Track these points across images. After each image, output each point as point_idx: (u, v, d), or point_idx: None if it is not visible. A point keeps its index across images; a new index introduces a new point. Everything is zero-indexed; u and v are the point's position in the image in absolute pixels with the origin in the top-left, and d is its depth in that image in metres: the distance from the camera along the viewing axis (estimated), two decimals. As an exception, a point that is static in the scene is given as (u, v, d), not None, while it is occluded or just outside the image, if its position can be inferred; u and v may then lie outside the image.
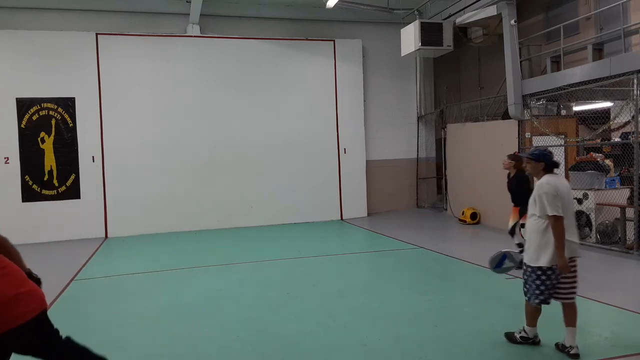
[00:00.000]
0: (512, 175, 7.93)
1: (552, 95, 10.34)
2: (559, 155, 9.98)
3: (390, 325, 5.49)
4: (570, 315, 4.52)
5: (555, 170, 4.65)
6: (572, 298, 4.53)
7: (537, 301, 4.53)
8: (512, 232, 8.22)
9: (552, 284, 4.48)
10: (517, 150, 8.36)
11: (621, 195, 9.10)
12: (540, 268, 4.45)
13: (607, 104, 10.52)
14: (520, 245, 7.89)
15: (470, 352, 4.72)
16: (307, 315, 5.93)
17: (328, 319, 5.78)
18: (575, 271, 4.50)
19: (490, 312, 5.93)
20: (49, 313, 6.20)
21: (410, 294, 6.77)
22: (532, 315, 4.69)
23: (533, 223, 4.55)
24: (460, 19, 11.97)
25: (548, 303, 4.55)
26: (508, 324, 5.44)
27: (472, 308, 6.05)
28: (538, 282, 4.47)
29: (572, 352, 4.43)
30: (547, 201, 4.38)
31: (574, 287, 4.54)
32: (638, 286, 7.00)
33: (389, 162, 15.12)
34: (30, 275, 3.11)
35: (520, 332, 4.77)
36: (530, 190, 7.70)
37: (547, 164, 4.57)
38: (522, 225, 7.71)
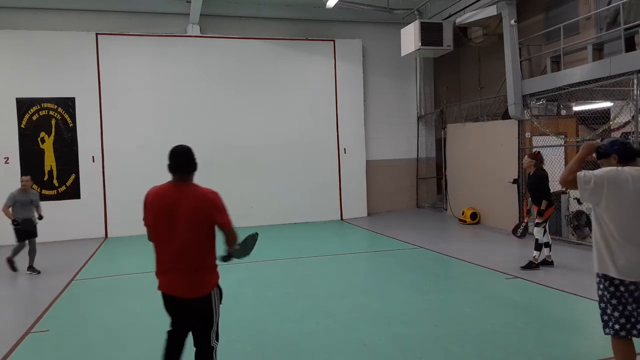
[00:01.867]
0: (531, 174, 7.95)
1: (552, 95, 10.34)
2: (559, 155, 10.00)
3: (390, 325, 5.49)
4: None
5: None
6: None
7: (612, 332, 3.55)
8: (523, 233, 8.18)
9: (625, 302, 3.48)
10: (537, 150, 8.36)
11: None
12: (603, 277, 3.59)
13: (607, 104, 10.51)
14: (548, 244, 7.91)
15: (470, 352, 4.72)
16: (307, 315, 5.93)
17: (328, 319, 5.78)
18: None
19: (490, 312, 5.93)
20: (49, 313, 6.20)
21: (410, 294, 6.77)
22: (619, 356, 3.58)
23: None
24: (460, 19, 11.96)
25: (622, 335, 3.50)
26: (508, 324, 5.45)
27: (472, 308, 6.05)
28: (602, 294, 3.60)
29: None
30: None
31: None
32: None
33: (389, 162, 15.12)
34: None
35: None
36: (548, 188, 7.75)
37: (620, 156, 3.65)
38: (537, 224, 7.73)
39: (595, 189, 3.54)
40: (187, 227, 3.36)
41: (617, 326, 3.51)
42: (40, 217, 8.90)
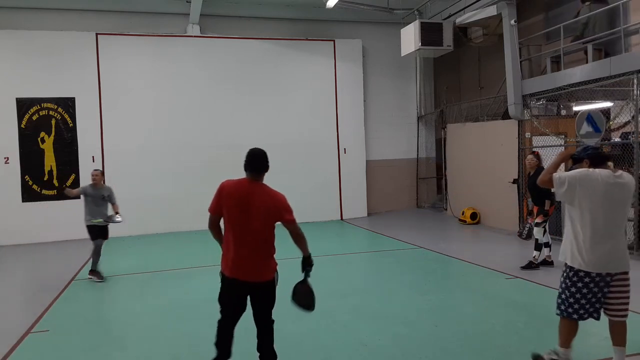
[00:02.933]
0: (532, 174, 7.94)
1: (552, 95, 10.34)
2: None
3: (390, 325, 5.49)
4: (619, 334, 4.01)
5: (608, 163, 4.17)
6: (625, 316, 3.99)
7: (564, 315, 4.03)
8: (529, 235, 8.13)
9: (590, 295, 3.91)
10: (536, 150, 8.41)
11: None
12: (570, 268, 4.00)
13: (607, 104, 10.51)
14: (547, 244, 7.91)
15: (470, 352, 4.72)
16: (307, 315, 5.91)
17: (328, 319, 5.78)
18: (626, 285, 3.97)
19: (490, 312, 5.93)
20: (49, 313, 6.19)
21: (410, 294, 6.77)
22: (566, 333, 4.07)
23: None
24: (460, 19, 11.96)
25: (583, 319, 3.98)
26: (508, 324, 5.45)
27: (472, 308, 6.05)
28: (568, 284, 3.98)
29: None
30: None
31: (626, 304, 4.00)
32: (638, 286, 7.00)
33: (389, 162, 15.11)
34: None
35: (549, 354, 4.15)
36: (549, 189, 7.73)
37: (592, 160, 4.08)
38: (537, 224, 7.72)
39: (569, 189, 3.97)
40: (259, 220, 3.82)
41: (571, 311, 3.98)
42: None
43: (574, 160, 4.28)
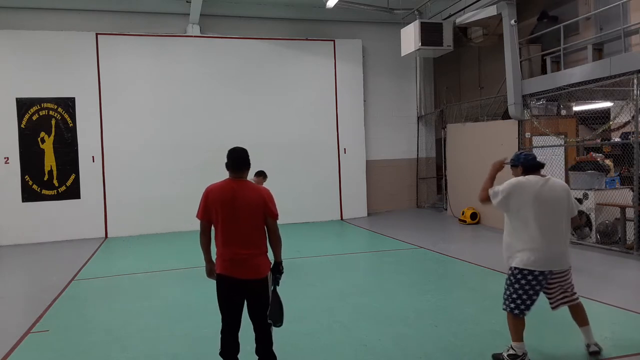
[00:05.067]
0: None
1: (552, 95, 10.34)
2: (559, 155, 9.99)
3: (390, 325, 5.49)
4: (580, 315, 4.44)
5: (542, 171, 4.42)
6: (577, 298, 4.42)
7: (507, 309, 4.32)
8: None
9: (531, 291, 4.23)
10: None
11: (621, 195, 9.10)
12: (514, 268, 4.28)
13: (607, 104, 10.51)
14: None
15: (470, 352, 4.72)
16: (307, 315, 5.93)
17: (328, 319, 5.78)
18: (569, 277, 4.38)
19: (490, 312, 5.93)
20: (49, 313, 6.21)
21: (410, 294, 6.77)
22: (515, 328, 4.35)
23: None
24: (460, 19, 11.96)
25: (524, 314, 4.31)
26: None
27: (472, 308, 6.06)
28: (516, 285, 4.25)
29: (590, 349, 4.41)
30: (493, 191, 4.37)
31: (573, 287, 4.42)
32: (638, 286, 7.00)
33: (389, 162, 15.12)
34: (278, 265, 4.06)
35: (507, 350, 4.39)
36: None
37: (524, 167, 4.38)
38: None
39: (502, 199, 4.28)
40: (248, 216, 3.88)
41: (514, 307, 4.25)
42: None
43: (511, 165, 4.52)
